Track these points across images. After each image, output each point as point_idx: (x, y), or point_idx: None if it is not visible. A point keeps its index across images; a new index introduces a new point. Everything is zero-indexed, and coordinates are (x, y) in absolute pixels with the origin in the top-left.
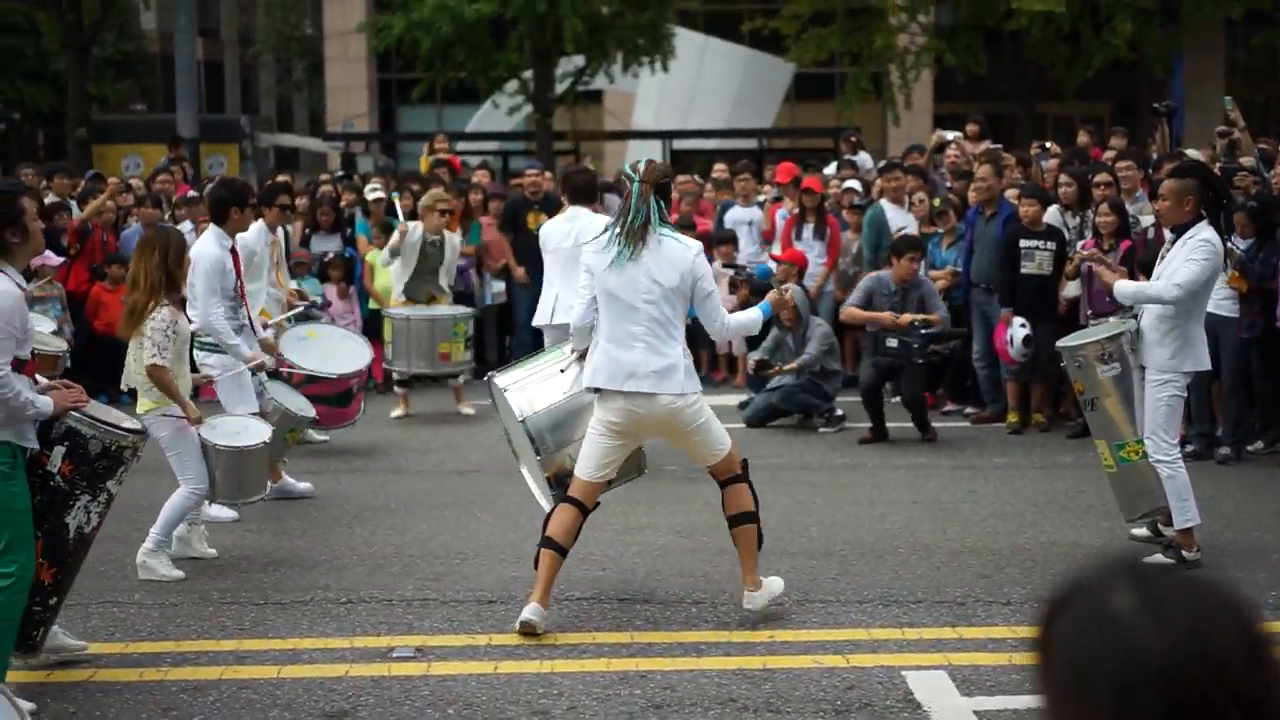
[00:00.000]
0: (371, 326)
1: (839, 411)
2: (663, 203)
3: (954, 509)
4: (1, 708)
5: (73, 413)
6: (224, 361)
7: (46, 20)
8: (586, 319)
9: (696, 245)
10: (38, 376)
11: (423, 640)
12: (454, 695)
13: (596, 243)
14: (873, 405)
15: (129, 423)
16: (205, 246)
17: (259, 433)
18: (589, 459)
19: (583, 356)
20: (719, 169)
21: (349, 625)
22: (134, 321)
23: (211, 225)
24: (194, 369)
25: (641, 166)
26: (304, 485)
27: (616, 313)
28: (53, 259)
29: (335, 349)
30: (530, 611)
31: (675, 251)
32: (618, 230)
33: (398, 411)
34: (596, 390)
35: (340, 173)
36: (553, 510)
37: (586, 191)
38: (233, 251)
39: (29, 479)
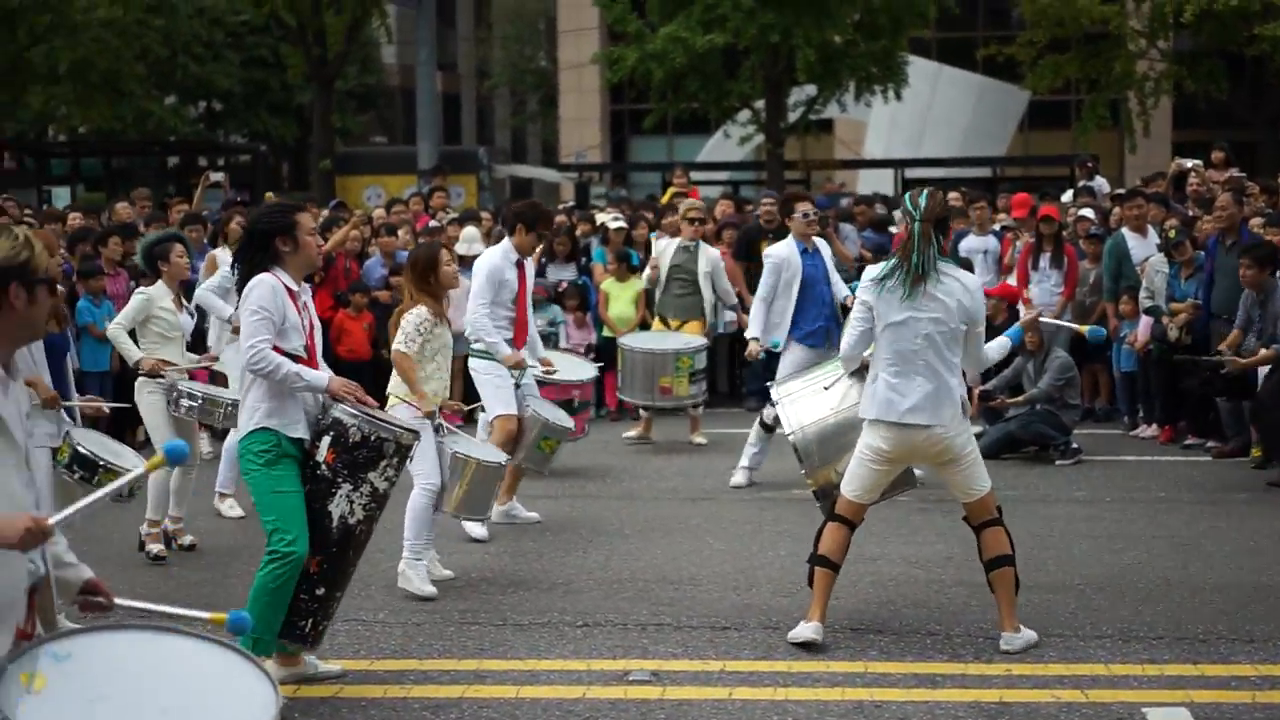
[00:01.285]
0: (606, 355)
1: (1075, 444)
2: (941, 236)
3: (1195, 544)
4: (261, 682)
5: (340, 402)
6: (493, 367)
7: (292, 54)
8: (856, 350)
9: (976, 281)
10: None
11: (658, 665)
12: None
13: (875, 276)
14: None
15: (401, 420)
16: (490, 254)
17: (497, 455)
18: (857, 481)
19: (852, 374)
20: (953, 197)
21: (585, 648)
22: (394, 325)
23: (505, 238)
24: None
25: (923, 202)
26: (532, 514)
27: (897, 347)
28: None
29: (562, 365)
30: (811, 630)
31: (956, 288)
32: (902, 267)
33: (631, 433)
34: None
35: (573, 203)
36: (822, 528)
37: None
38: (518, 265)
39: (302, 470)
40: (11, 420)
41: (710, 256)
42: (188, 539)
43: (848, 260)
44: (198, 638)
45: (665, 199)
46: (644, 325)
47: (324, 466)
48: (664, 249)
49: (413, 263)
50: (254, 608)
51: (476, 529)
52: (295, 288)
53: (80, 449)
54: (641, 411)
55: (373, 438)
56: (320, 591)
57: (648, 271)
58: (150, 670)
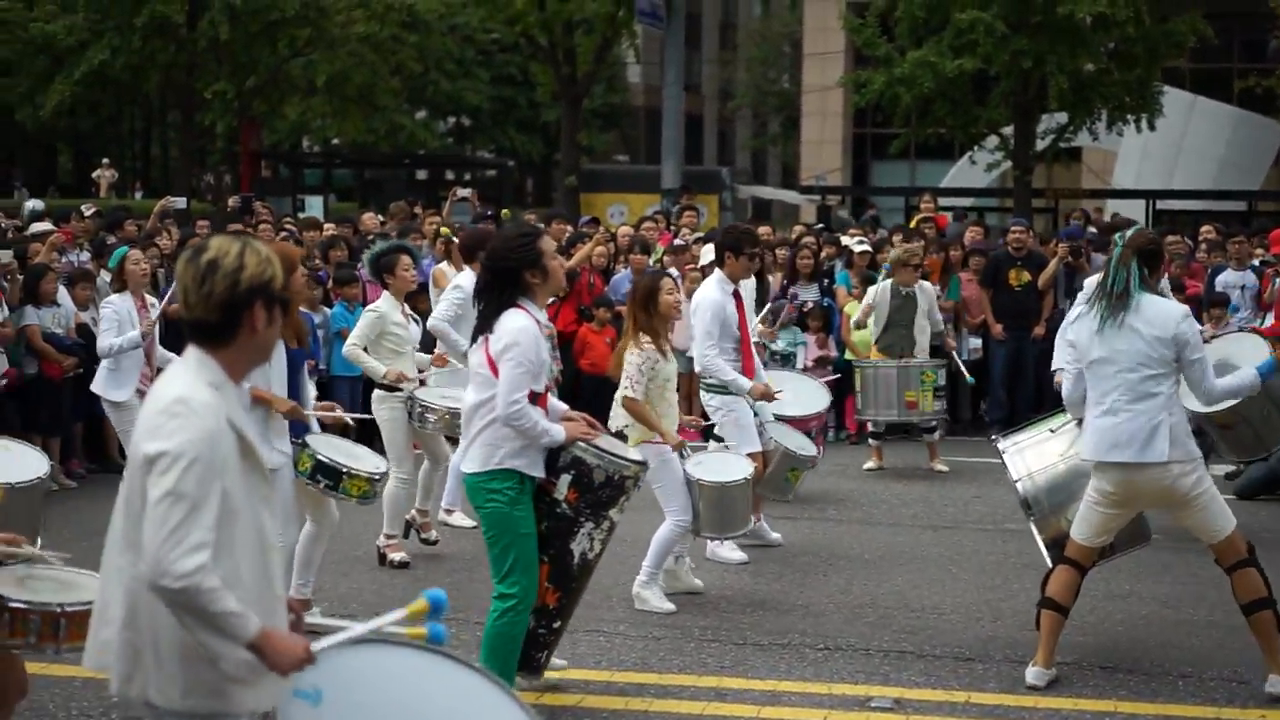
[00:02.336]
0: (847, 378)
1: None
2: (1145, 269)
3: None
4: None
5: (579, 442)
6: (726, 402)
7: (542, 73)
8: (1076, 393)
9: (1181, 309)
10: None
11: (900, 692)
12: None
13: (1077, 312)
14: None
15: (632, 454)
16: (707, 290)
17: (742, 469)
18: (1086, 524)
19: (1079, 423)
20: (1205, 229)
21: (827, 671)
22: (616, 361)
23: (716, 270)
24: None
25: (1129, 233)
26: (776, 535)
27: (1100, 381)
28: None
29: (795, 391)
30: (1033, 676)
31: (1159, 318)
32: (1098, 297)
33: (870, 464)
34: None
35: (819, 224)
36: (1051, 571)
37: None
38: (735, 296)
39: (536, 505)
40: (260, 447)
41: (927, 294)
42: (433, 534)
43: None
44: (452, 660)
45: (913, 224)
46: None
47: (565, 505)
48: (880, 291)
49: (634, 292)
50: (493, 656)
51: (733, 553)
52: (541, 318)
53: (321, 458)
54: (871, 440)
55: (616, 477)
56: (557, 625)
57: (857, 315)
58: (403, 701)
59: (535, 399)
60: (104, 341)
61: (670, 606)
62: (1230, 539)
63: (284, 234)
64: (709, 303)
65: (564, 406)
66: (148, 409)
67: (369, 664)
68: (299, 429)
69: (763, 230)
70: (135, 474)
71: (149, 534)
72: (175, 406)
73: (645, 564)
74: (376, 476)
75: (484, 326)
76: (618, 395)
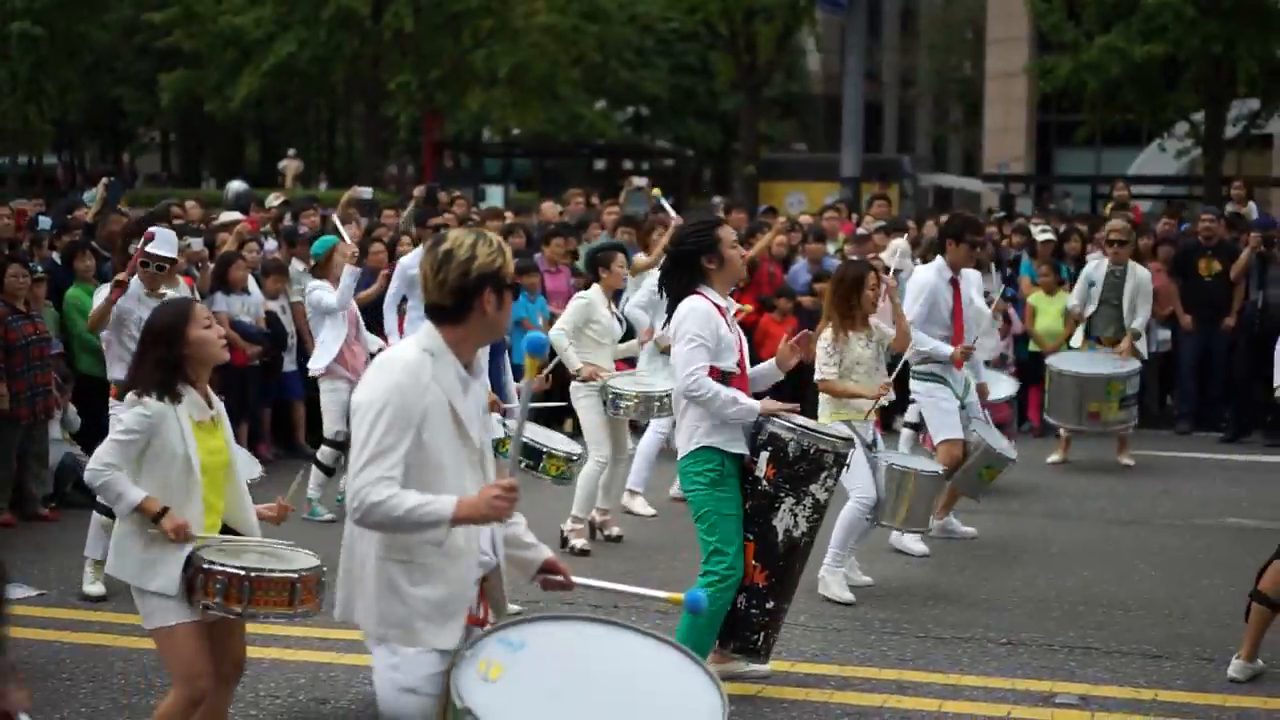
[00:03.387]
0: (1030, 369)
1: None
2: None
3: None
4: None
5: (774, 417)
6: (930, 389)
7: (722, 61)
8: None
9: None
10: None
11: (1086, 689)
12: None
13: None
14: None
15: (834, 430)
16: (925, 273)
17: (932, 465)
18: None
19: None
20: None
21: (1010, 666)
22: (812, 348)
23: (937, 256)
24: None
25: None
26: (968, 529)
27: None
28: None
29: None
30: (1235, 670)
31: None
32: None
33: (1055, 456)
34: None
35: (1002, 213)
36: (1269, 562)
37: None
38: (953, 284)
39: (741, 486)
40: (470, 420)
41: (1139, 277)
42: (615, 530)
43: None
44: (645, 634)
45: (1107, 211)
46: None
47: (765, 482)
48: (1095, 269)
49: (838, 280)
50: (691, 629)
51: (916, 544)
52: (724, 304)
53: (523, 439)
54: (1062, 431)
55: (811, 450)
56: (770, 605)
57: (1072, 301)
58: (601, 665)
59: (727, 380)
60: (331, 300)
61: (850, 597)
62: None
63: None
64: (921, 283)
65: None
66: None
67: (572, 631)
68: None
69: None
70: None
71: (350, 474)
72: (379, 362)
73: (831, 546)
74: (574, 457)
75: (669, 312)
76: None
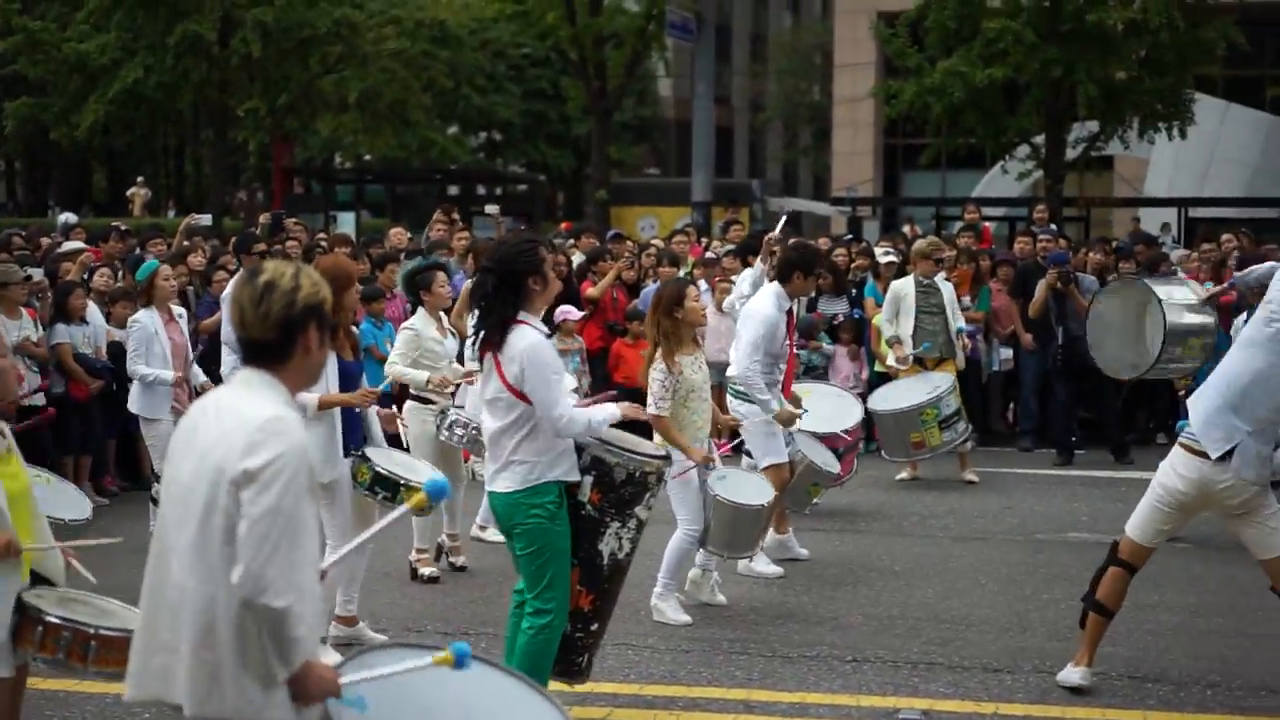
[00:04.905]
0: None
1: None
2: None
3: None
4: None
5: (596, 441)
6: (754, 411)
7: (573, 87)
8: None
9: None
10: None
11: (929, 704)
12: None
13: None
14: None
15: (652, 449)
16: (762, 303)
17: (762, 493)
18: (1145, 523)
19: None
20: (1225, 239)
21: (855, 683)
22: (643, 371)
23: (775, 284)
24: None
25: None
26: (803, 551)
27: None
28: (574, 313)
29: (825, 407)
30: (1079, 676)
31: None
32: None
33: (904, 474)
34: None
35: (850, 235)
36: (1102, 571)
37: None
38: (789, 313)
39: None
40: (317, 460)
41: (948, 293)
42: (461, 559)
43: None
44: (493, 667)
45: (956, 233)
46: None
47: (590, 507)
48: (902, 287)
49: (657, 301)
50: (527, 664)
51: (768, 567)
52: (543, 331)
53: (380, 470)
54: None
55: (637, 474)
56: (595, 627)
57: (887, 331)
58: (447, 701)
59: None
60: (135, 367)
61: (686, 619)
62: None
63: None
64: (763, 316)
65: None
66: (236, 427)
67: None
68: (356, 441)
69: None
70: (217, 492)
71: (249, 551)
72: (274, 424)
73: (660, 575)
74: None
75: (490, 339)
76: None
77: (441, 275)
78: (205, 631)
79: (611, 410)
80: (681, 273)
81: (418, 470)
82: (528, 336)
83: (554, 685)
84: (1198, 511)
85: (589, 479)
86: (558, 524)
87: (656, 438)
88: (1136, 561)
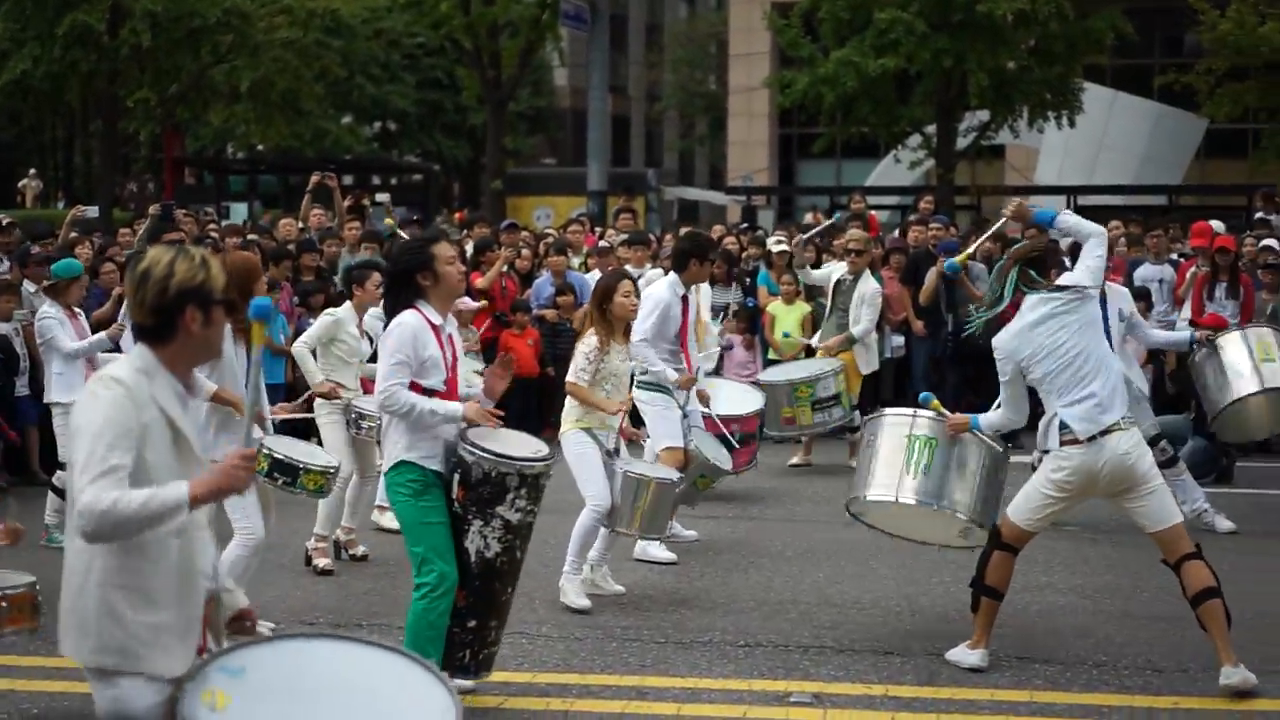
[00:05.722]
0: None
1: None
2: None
3: None
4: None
5: (462, 442)
6: (657, 398)
7: (467, 76)
8: None
9: None
10: None
11: (820, 687)
12: None
13: None
14: None
15: (524, 450)
16: (659, 289)
17: (669, 472)
18: (1028, 507)
19: None
20: (1113, 225)
21: (747, 668)
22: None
23: (673, 272)
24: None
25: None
26: (690, 533)
27: None
28: (470, 304)
29: (727, 396)
30: (977, 659)
31: None
32: None
33: (795, 460)
34: None
35: (744, 224)
36: (989, 555)
37: None
38: (684, 301)
39: (448, 500)
40: (192, 435)
41: (865, 291)
42: (360, 549)
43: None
44: (370, 645)
45: (844, 223)
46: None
47: (457, 504)
48: (830, 275)
49: (595, 290)
50: (414, 641)
51: (662, 553)
52: (439, 321)
53: (277, 456)
54: (802, 437)
55: (493, 474)
56: (472, 624)
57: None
58: (328, 681)
59: (431, 395)
60: (70, 346)
61: (586, 604)
62: (1177, 532)
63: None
64: (655, 299)
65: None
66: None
67: (293, 647)
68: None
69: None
70: None
71: (72, 496)
72: (93, 384)
73: (568, 554)
74: (331, 471)
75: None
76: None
77: (377, 275)
78: (65, 576)
79: (455, 408)
80: (575, 262)
81: (314, 454)
82: (405, 316)
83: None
84: (1081, 498)
85: (456, 476)
86: (423, 500)
87: (570, 419)
88: (1019, 543)
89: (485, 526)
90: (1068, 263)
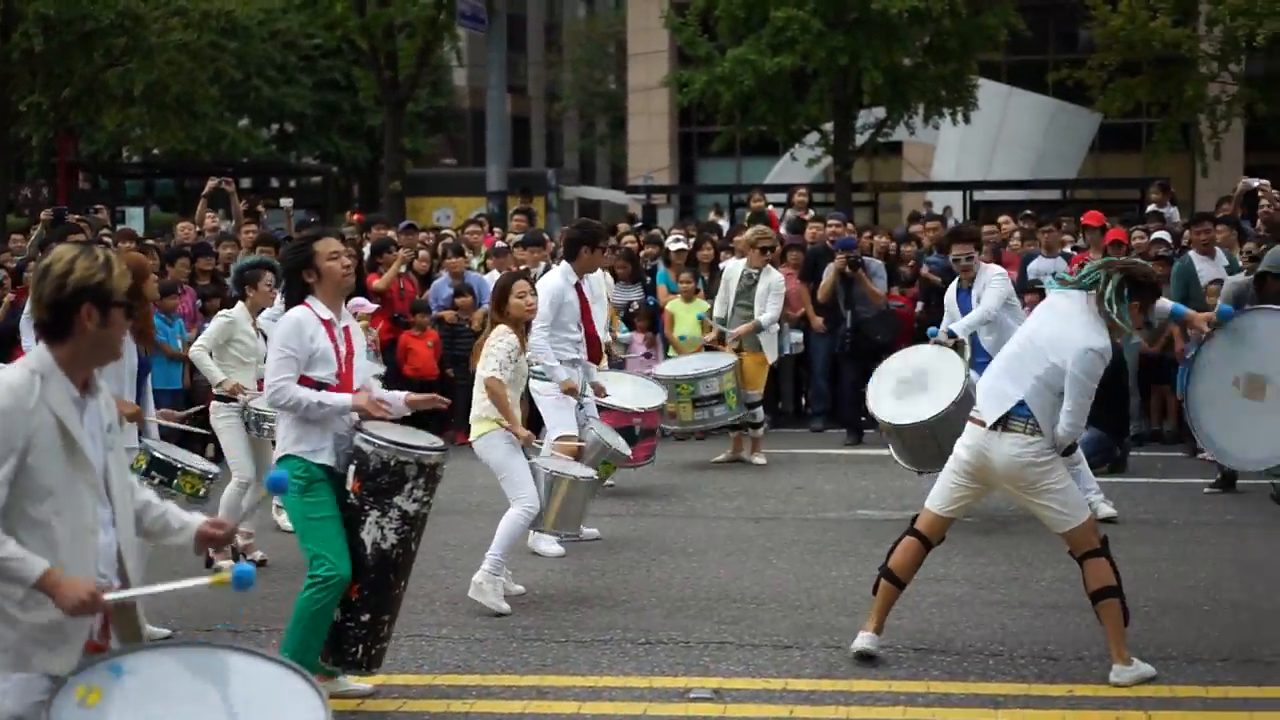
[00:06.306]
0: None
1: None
2: None
3: (1262, 566)
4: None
5: (359, 433)
6: (553, 388)
7: (364, 77)
8: None
9: None
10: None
11: (720, 683)
12: None
13: None
14: None
15: (421, 440)
16: (551, 278)
17: (585, 469)
18: (939, 492)
19: None
20: (1002, 220)
21: (647, 665)
22: (476, 354)
23: (564, 261)
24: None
25: None
26: (592, 531)
27: None
28: (367, 305)
29: (627, 390)
30: (865, 641)
31: None
32: None
33: (722, 456)
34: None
35: (641, 222)
36: (899, 540)
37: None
38: (578, 288)
39: (338, 494)
40: (85, 440)
41: (772, 279)
42: (258, 554)
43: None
44: (250, 653)
45: (746, 221)
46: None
47: (352, 495)
48: (732, 271)
49: (494, 291)
50: (294, 631)
51: (551, 547)
52: (330, 316)
53: (156, 454)
54: (730, 432)
55: (392, 463)
56: (365, 618)
57: (717, 310)
58: (202, 687)
59: (322, 389)
60: None
61: (505, 607)
62: (1083, 529)
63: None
64: (548, 289)
65: (399, 395)
66: None
67: (174, 654)
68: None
69: None
70: None
71: None
72: None
73: (491, 552)
74: (209, 475)
75: None
76: (479, 377)
77: (269, 275)
78: None
79: (343, 399)
80: (474, 263)
81: (197, 461)
82: (293, 312)
83: (354, 680)
84: (988, 485)
85: (352, 468)
86: (311, 495)
87: (489, 420)
88: (931, 534)
89: (382, 517)
90: None
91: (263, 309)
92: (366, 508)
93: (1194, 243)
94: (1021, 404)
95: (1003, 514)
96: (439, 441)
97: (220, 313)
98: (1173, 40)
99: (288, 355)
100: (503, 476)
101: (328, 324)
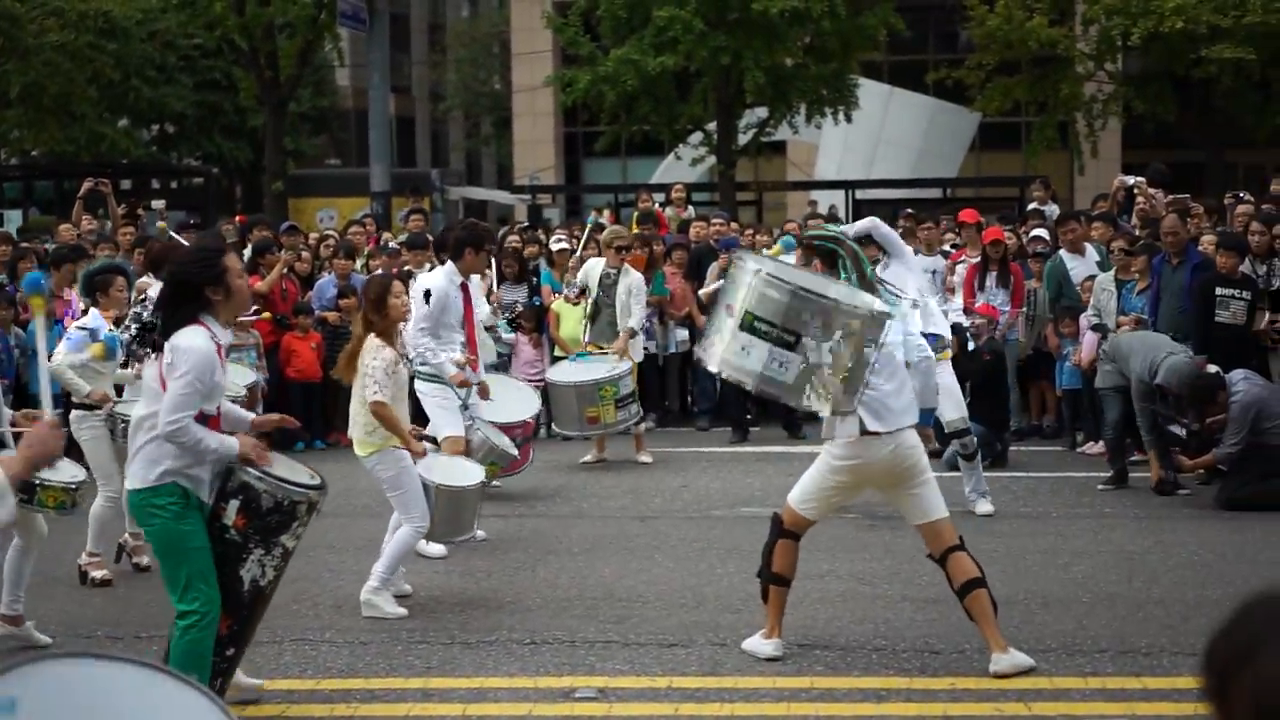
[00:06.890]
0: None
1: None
2: None
3: (1140, 559)
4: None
5: (248, 468)
6: (438, 389)
7: (245, 77)
8: None
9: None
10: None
11: (605, 682)
12: None
13: None
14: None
15: (308, 478)
16: (434, 278)
17: (474, 474)
18: (810, 495)
19: None
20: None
21: (533, 665)
22: (345, 363)
23: (448, 261)
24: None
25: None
26: (478, 532)
27: None
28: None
29: (504, 398)
30: (773, 648)
31: None
32: None
33: (589, 456)
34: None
35: (526, 223)
36: (773, 546)
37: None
38: (463, 288)
39: (208, 529)
40: None
41: (629, 281)
42: (144, 559)
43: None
44: (141, 665)
45: (634, 222)
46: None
47: (233, 531)
48: (590, 270)
49: (364, 292)
50: (184, 670)
51: (435, 547)
52: (224, 340)
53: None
54: (592, 434)
55: (285, 503)
56: (230, 652)
57: (570, 292)
58: (95, 707)
59: (205, 421)
60: None
61: (401, 611)
62: (944, 526)
63: None
64: (435, 289)
65: (249, 415)
66: None
67: (72, 673)
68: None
69: None
70: None
71: None
72: None
73: (378, 569)
74: (73, 486)
75: (165, 336)
76: (358, 397)
77: (121, 279)
78: None
79: (231, 446)
80: (358, 264)
81: (56, 468)
82: (197, 338)
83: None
84: (859, 486)
85: (235, 503)
86: (185, 524)
87: (379, 436)
88: (800, 529)
89: (266, 555)
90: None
91: (116, 315)
92: (251, 545)
93: (1063, 241)
94: None
95: (882, 510)
96: (319, 478)
97: (75, 324)
98: (1049, 40)
99: (196, 390)
100: (394, 495)
101: (220, 349)
